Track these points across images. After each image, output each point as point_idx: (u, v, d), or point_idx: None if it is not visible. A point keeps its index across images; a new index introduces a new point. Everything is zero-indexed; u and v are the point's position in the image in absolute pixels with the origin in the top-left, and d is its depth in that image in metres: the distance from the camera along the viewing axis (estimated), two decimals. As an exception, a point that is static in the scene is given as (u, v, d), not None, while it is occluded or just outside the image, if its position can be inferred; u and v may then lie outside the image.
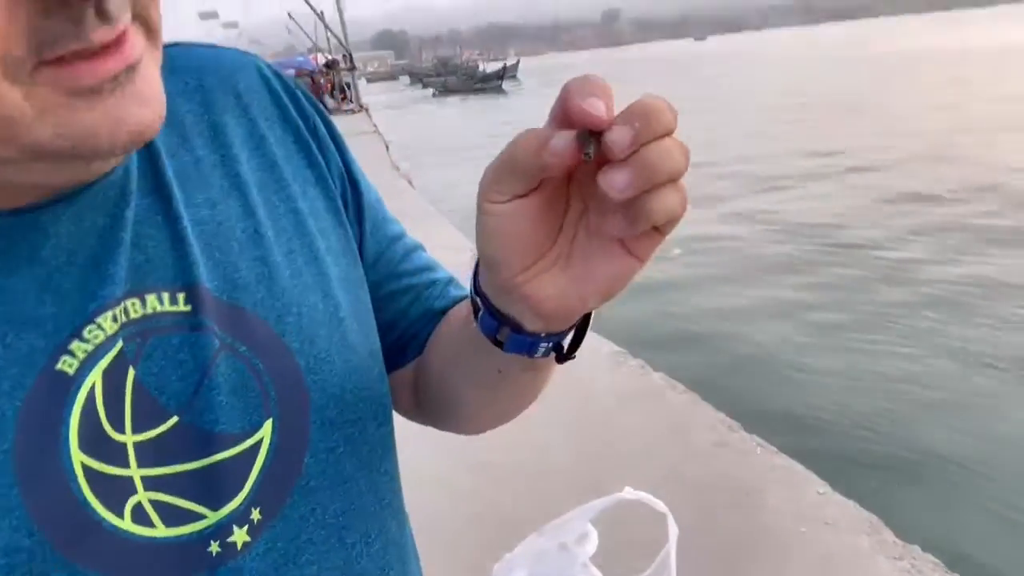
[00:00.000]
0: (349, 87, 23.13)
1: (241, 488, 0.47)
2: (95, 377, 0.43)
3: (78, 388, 0.43)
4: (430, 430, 0.70)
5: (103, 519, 0.42)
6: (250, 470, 0.47)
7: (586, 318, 0.49)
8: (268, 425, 0.48)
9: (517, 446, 2.66)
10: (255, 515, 0.47)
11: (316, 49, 27.62)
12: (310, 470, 0.50)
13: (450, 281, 0.66)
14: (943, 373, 4.37)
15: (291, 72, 25.89)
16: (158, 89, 0.40)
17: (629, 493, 0.79)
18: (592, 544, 0.78)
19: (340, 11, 22.80)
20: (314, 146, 0.58)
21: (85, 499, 0.42)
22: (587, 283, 0.43)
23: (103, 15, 0.36)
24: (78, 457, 0.42)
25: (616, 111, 0.37)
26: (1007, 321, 4.90)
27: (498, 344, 0.49)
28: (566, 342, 0.50)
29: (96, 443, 0.43)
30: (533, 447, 2.72)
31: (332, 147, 0.59)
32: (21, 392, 0.41)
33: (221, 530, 0.46)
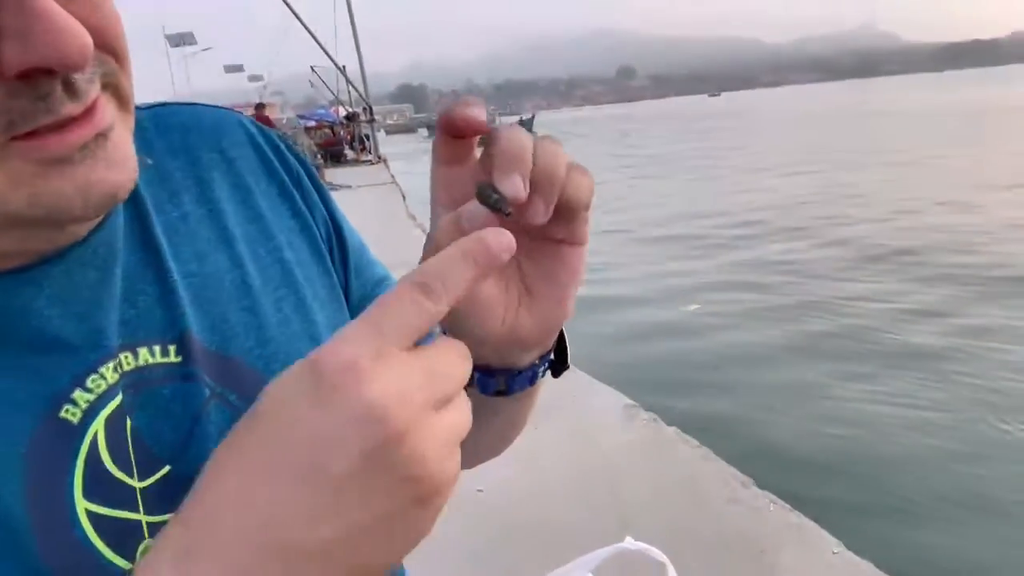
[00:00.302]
0: (368, 138, 23.59)
1: None
2: (98, 426, 0.44)
3: (83, 436, 0.44)
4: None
5: (111, 563, 0.43)
6: None
7: (557, 351, 0.52)
8: None
9: (521, 496, 2.63)
10: None
11: (337, 101, 28.29)
12: None
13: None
14: (968, 422, 4.30)
15: (313, 123, 26.51)
16: (129, 153, 0.41)
17: (630, 543, 0.80)
18: (592, 596, 0.77)
19: (361, 66, 23.43)
20: (298, 197, 0.60)
21: (91, 543, 0.43)
22: (555, 291, 0.46)
23: (71, 91, 0.37)
24: (82, 504, 0.43)
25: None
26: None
27: (500, 393, 0.50)
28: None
29: (103, 489, 0.44)
30: (538, 498, 2.68)
31: (316, 197, 0.61)
32: (25, 437, 0.42)
33: None
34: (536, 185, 0.40)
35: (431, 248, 0.42)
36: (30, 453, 0.42)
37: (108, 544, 0.43)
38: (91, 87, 0.38)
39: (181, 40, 55.95)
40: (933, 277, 7.24)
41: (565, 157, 0.41)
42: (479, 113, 0.41)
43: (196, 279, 0.51)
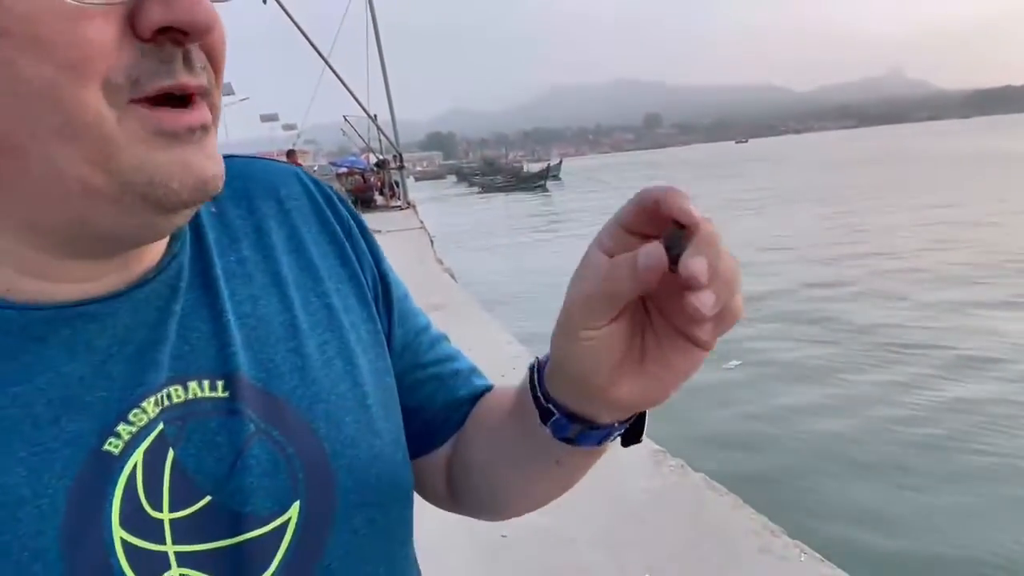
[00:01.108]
0: (398, 185, 24.00)
1: (268, 566, 0.50)
2: (137, 457, 0.47)
3: (122, 468, 0.46)
4: (451, 519, 0.71)
5: None
6: (277, 549, 0.50)
7: (639, 419, 0.54)
8: (295, 507, 0.51)
9: (546, 542, 2.59)
10: None
11: (368, 149, 28.91)
12: (332, 551, 0.52)
13: (473, 370, 0.70)
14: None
15: (344, 170, 27.04)
16: (219, 155, 0.46)
17: (652, 581, 0.80)
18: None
19: (392, 114, 24.01)
20: (348, 247, 0.63)
21: (123, 572, 0.45)
22: (666, 376, 0.47)
23: (188, 64, 0.43)
24: (118, 533, 0.45)
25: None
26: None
27: (569, 441, 0.53)
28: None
29: (135, 520, 0.46)
30: (563, 543, 2.65)
31: (365, 247, 0.65)
32: (72, 472, 0.44)
33: None
34: (718, 281, 0.42)
35: (600, 289, 0.44)
36: (75, 487, 0.44)
37: (135, 571, 0.45)
38: (203, 73, 0.44)
39: (220, 91, 57.87)
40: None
41: (740, 278, 0.44)
42: (692, 208, 0.42)
43: (249, 320, 0.54)
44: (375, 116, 24.29)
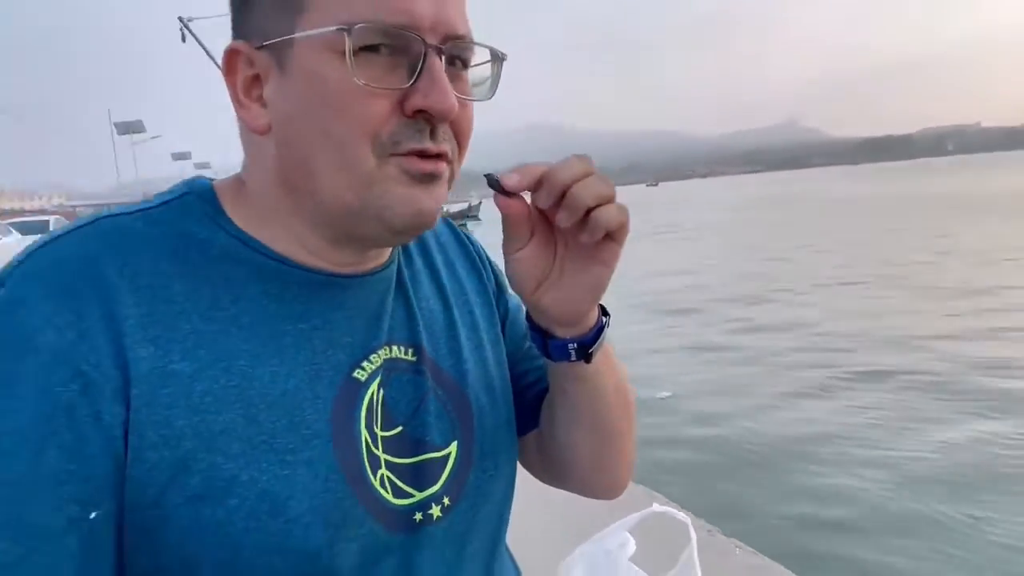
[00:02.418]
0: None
1: (438, 481, 0.70)
2: (373, 386, 0.67)
3: (366, 390, 0.67)
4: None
5: (367, 478, 0.65)
6: (443, 471, 0.70)
7: (599, 331, 0.72)
8: (454, 445, 0.72)
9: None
10: (446, 501, 0.70)
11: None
12: (472, 482, 0.73)
13: None
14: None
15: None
16: (440, 203, 0.64)
17: (657, 507, 1.01)
18: (631, 548, 0.98)
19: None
20: (483, 273, 0.86)
21: (363, 462, 0.64)
22: (575, 288, 0.67)
23: (434, 136, 0.62)
24: (363, 433, 0.65)
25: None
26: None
27: (548, 357, 0.73)
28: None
29: (369, 428, 0.66)
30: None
31: (491, 273, 0.88)
32: (336, 384, 0.64)
33: (423, 506, 0.68)
34: (544, 184, 0.62)
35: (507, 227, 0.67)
36: (339, 396, 0.64)
37: (368, 464, 0.65)
38: (444, 143, 0.62)
39: (129, 128, 56.14)
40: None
41: (603, 191, 0.62)
42: (513, 179, 0.63)
43: (425, 313, 0.76)
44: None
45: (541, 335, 0.72)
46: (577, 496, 0.93)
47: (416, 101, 0.59)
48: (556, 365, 0.74)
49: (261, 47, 0.61)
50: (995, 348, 7.36)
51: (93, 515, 0.54)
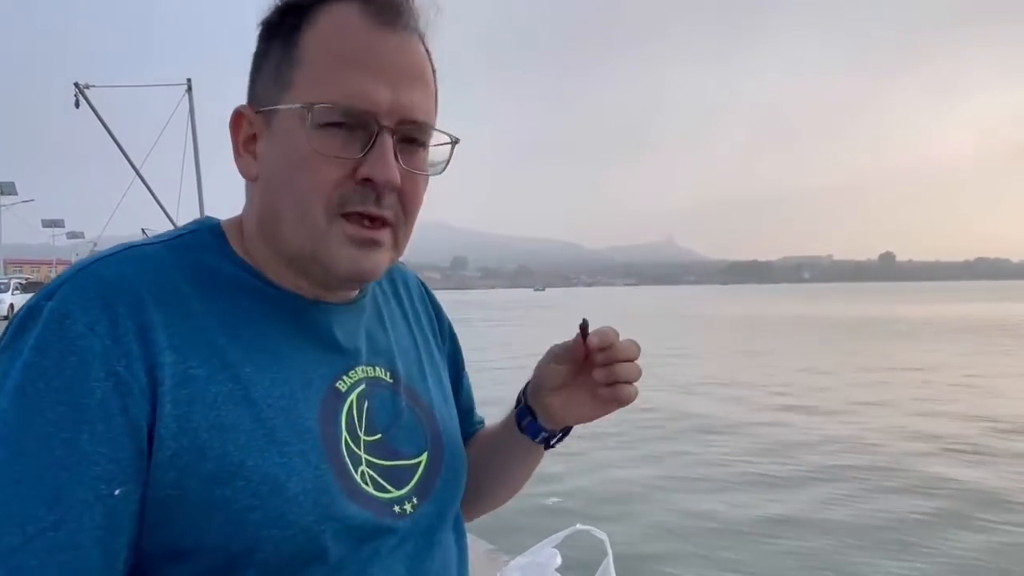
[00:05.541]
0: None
1: (408, 484, 0.79)
2: (352, 396, 0.77)
3: (346, 398, 0.76)
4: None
5: (350, 471, 0.73)
6: (414, 476, 0.80)
7: (567, 431, 0.92)
8: (425, 455, 0.82)
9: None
10: (415, 500, 0.79)
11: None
12: (439, 486, 0.83)
13: (481, 420, 1.08)
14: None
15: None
16: (383, 267, 0.75)
17: (580, 526, 1.19)
18: (558, 561, 1.15)
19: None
20: (436, 324, 1.00)
21: (344, 458, 0.73)
22: (578, 408, 0.87)
23: (379, 203, 0.71)
24: (344, 434, 0.74)
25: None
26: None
27: (523, 430, 0.90)
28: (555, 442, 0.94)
29: (351, 430, 0.75)
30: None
31: (446, 325, 1.03)
32: (323, 390, 0.75)
33: (399, 502, 0.77)
34: (609, 350, 0.80)
35: (558, 357, 0.86)
36: (325, 398, 0.74)
37: (350, 460, 0.74)
38: (388, 211, 0.72)
39: (-1, 189, 52.36)
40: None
41: (632, 353, 0.82)
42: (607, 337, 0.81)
43: (400, 346, 0.88)
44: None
45: (529, 414, 0.90)
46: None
47: (364, 171, 0.69)
48: (520, 435, 0.92)
49: (259, 111, 0.73)
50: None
51: (117, 492, 0.61)
